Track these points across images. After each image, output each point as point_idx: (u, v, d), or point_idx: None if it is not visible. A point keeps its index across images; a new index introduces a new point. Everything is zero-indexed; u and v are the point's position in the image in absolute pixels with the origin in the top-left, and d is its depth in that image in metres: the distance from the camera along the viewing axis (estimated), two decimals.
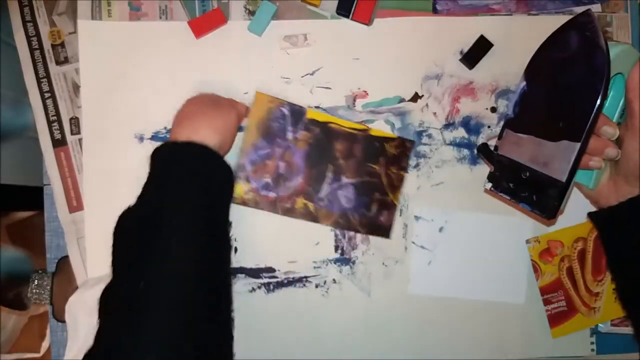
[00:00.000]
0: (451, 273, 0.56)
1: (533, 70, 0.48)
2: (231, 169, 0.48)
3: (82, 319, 0.52)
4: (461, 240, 0.56)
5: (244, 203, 0.55)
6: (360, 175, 0.56)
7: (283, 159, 0.55)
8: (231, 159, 0.54)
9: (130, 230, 0.43)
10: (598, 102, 0.41)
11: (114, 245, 0.43)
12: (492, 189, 0.49)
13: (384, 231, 0.56)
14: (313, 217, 0.55)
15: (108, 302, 0.41)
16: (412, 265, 0.56)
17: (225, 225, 0.48)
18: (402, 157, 0.56)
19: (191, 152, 0.45)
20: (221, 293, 0.44)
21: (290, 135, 0.55)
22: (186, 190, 0.43)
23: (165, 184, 0.44)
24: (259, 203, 0.55)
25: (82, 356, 0.52)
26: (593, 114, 0.41)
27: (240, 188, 0.55)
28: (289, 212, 0.55)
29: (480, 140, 0.57)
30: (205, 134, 0.46)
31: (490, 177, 0.49)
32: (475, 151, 0.55)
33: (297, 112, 0.55)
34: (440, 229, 0.56)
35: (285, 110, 0.55)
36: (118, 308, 0.39)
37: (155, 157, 0.46)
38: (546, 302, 0.56)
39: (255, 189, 0.55)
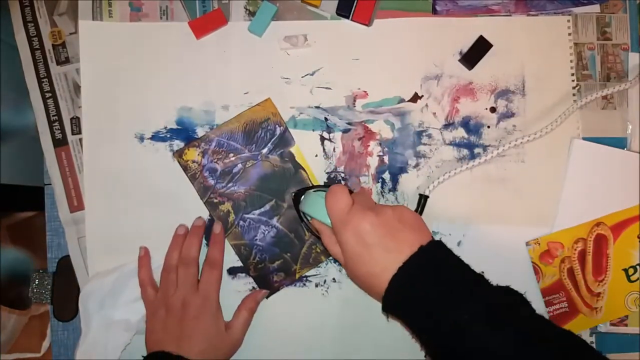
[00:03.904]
0: None
1: None
2: None
3: (92, 311, 0.53)
4: (474, 249, 0.55)
5: (185, 167, 0.55)
6: (289, 228, 0.55)
7: (244, 164, 0.55)
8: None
9: None
10: None
11: None
12: None
13: (267, 289, 0.55)
14: (224, 226, 0.55)
15: None
16: None
17: None
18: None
19: None
20: None
21: (264, 150, 0.55)
22: None
23: None
24: (195, 178, 0.55)
25: (91, 353, 0.52)
26: None
27: (193, 153, 0.55)
28: (211, 206, 0.55)
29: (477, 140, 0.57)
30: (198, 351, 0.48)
31: None
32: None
33: (285, 139, 0.56)
34: (459, 243, 0.56)
35: (278, 130, 0.55)
36: None
37: None
38: (548, 303, 0.55)
39: (202, 166, 0.55)
